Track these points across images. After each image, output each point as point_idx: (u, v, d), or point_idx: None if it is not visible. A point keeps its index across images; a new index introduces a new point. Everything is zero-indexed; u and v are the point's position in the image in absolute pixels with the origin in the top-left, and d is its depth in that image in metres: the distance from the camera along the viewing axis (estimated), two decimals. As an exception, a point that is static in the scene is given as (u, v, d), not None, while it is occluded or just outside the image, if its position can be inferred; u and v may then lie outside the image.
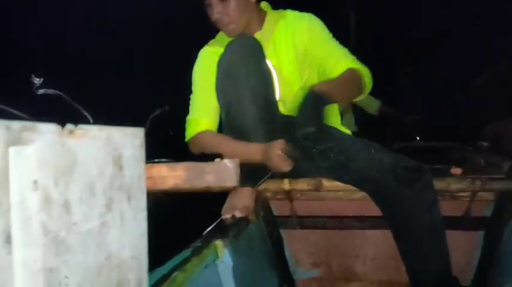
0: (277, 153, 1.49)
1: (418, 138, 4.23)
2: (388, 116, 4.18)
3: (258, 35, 1.72)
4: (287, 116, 1.74)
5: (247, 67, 1.54)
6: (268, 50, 1.68)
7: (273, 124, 1.62)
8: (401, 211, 1.54)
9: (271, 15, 1.78)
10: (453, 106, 4.81)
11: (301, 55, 1.74)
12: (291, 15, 1.78)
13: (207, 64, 1.76)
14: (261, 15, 1.76)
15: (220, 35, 1.83)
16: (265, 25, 1.76)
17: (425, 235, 1.53)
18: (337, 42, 1.77)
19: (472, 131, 3.61)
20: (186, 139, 1.78)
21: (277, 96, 1.73)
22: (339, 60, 1.71)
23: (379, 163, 1.54)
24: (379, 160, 1.55)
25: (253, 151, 1.53)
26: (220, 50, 1.66)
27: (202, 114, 1.76)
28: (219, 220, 1.67)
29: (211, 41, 1.86)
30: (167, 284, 1.07)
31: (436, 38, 5.12)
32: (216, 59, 1.64)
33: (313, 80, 1.77)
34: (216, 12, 1.63)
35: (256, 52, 1.61)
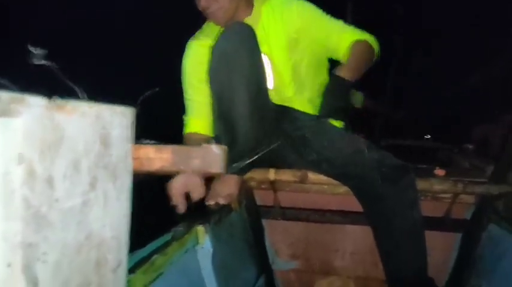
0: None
1: (428, 136, 4.21)
2: (373, 111, 4.15)
3: (247, 21, 1.69)
4: (278, 105, 1.74)
5: (241, 54, 1.52)
6: (258, 37, 1.67)
7: (264, 112, 1.61)
8: (382, 209, 1.55)
9: (258, 1, 1.75)
10: (442, 106, 4.85)
11: (293, 40, 1.71)
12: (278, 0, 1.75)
13: (195, 58, 1.75)
14: (249, 2, 1.73)
15: (207, 26, 1.80)
16: (254, 12, 1.73)
17: (404, 233, 1.54)
18: (330, 16, 1.74)
19: (460, 132, 3.65)
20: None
21: (270, 85, 1.72)
22: (341, 36, 1.70)
23: (365, 159, 1.55)
24: (365, 156, 1.56)
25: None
26: (208, 41, 1.64)
27: (194, 114, 1.79)
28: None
29: (198, 33, 1.83)
30: (146, 266, 1.07)
31: (429, 36, 5.13)
32: (204, 51, 1.63)
33: (303, 64, 1.74)
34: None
35: (251, 39, 1.59)
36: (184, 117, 1.83)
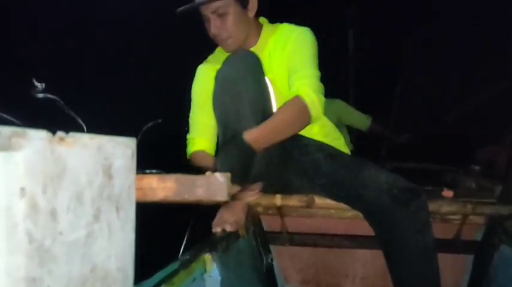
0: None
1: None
2: (378, 135, 4.14)
3: (253, 50, 1.72)
4: None
5: (246, 81, 1.54)
6: (263, 64, 1.68)
7: None
8: (394, 232, 1.53)
9: (267, 29, 1.78)
10: (446, 127, 4.83)
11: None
12: (284, 28, 1.78)
13: (204, 82, 1.78)
14: (258, 30, 1.77)
15: (218, 51, 1.84)
16: (260, 39, 1.76)
17: (417, 257, 1.52)
18: (313, 60, 1.69)
19: (465, 153, 3.62)
20: (187, 157, 1.85)
21: (274, 110, 1.72)
22: (297, 80, 1.63)
23: (376, 182, 1.54)
24: (376, 178, 1.54)
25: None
26: (218, 67, 1.65)
27: (199, 134, 1.81)
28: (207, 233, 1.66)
29: (209, 58, 1.87)
30: None
31: (430, 57, 5.15)
32: (213, 75, 1.63)
33: None
34: (214, 27, 1.64)
35: (256, 67, 1.61)
36: (188, 136, 1.85)
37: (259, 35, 1.77)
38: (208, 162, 1.73)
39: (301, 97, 1.56)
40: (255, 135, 1.48)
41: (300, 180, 1.74)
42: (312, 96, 1.56)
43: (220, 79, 1.57)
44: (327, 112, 1.71)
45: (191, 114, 1.85)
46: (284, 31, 1.75)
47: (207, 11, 1.63)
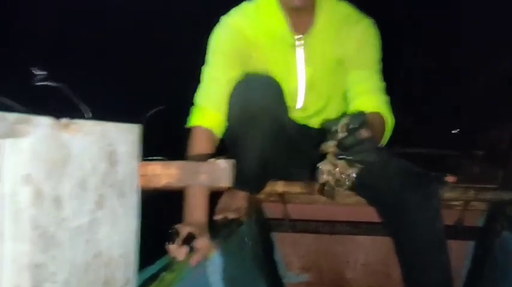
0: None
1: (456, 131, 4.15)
2: None
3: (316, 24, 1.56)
4: (300, 126, 1.72)
5: (264, 116, 1.46)
6: (307, 53, 1.58)
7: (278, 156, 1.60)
8: (405, 218, 1.48)
9: (326, 2, 1.57)
10: (450, 112, 4.82)
11: (340, 64, 1.58)
12: (346, 10, 1.59)
13: (230, 37, 1.57)
14: None
15: (259, 8, 1.59)
16: (317, 17, 1.56)
17: (428, 245, 1.47)
18: (380, 65, 1.55)
19: (468, 138, 3.61)
20: (188, 124, 1.57)
21: (300, 104, 1.66)
22: (369, 93, 1.49)
23: (388, 168, 1.50)
24: (387, 164, 1.51)
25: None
26: (247, 27, 1.55)
27: (211, 103, 1.53)
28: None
29: (238, 11, 1.61)
30: (155, 284, 1.06)
31: (438, 42, 5.12)
32: (244, 41, 1.54)
33: (338, 86, 1.62)
34: None
35: (277, 104, 1.52)
36: (197, 101, 1.56)
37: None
38: (207, 148, 1.50)
39: (381, 115, 1.44)
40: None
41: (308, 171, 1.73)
42: (388, 114, 1.48)
43: (239, 105, 1.48)
44: None
45: (208, 71, 1.56)
46: (346, 16, 1.57)
47: None
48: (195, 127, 1.51)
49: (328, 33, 1.56)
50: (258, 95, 1.46)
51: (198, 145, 1.50)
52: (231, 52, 1.55)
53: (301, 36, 1.57)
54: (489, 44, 4.47)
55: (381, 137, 1.46)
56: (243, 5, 1.61)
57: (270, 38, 1.58)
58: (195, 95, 1.56)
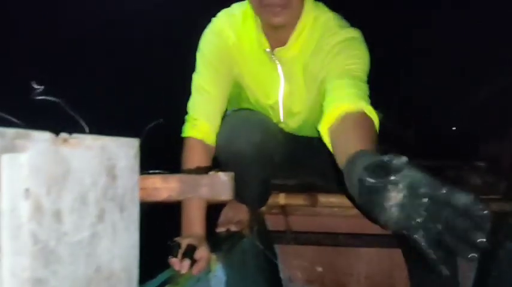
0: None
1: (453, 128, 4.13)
2: (387, 130, 4.09)
3: (293, 37, 1.52)
4: (291, 136, 1.74)
5: (253, 166, 1.52)
6: (286, 68, 1.57)
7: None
8: None
9: (309, 12, 1.52)
10: (451, 122, 4.82)
11: (320, 79, 1.49)
12: (328, 23, 1.52)
13: (215, 48, 1.57)
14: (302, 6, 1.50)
15: (244, 17, 1.57)
16: (298, 32, 1.52)
17: None
18: (365, 77, 1.42)
19: (469, 149, 3.61)
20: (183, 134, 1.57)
21: (282, 118, 1.68)
22: (351, 95, 1.28)
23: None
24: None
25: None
26: (236, 40, 1.55)
27: (202, 115, 1.53)
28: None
29: (229, 21, 1.59)
30: None
31: (436, 50, 5.13)
32: (227, 43, 1.55)
33: (319, 93, 1.51)
34: None
35: (264, 134, 1.55)
36: (189, 113, 1.55)
37: (301, 14, 1.50)
38: (201, 159, 1.49)
39: (366, 115, 1.22)
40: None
41: (316, 180, 1.73)
42: (374, 113, 1.26)
43: (230, 150, 1.52)
44: None
45: (198, 80, 1.56)
46: (328, 28, 1.50)
47: None
48: (188, 138, 1.52)
49: (307, 47, 1.52)
50: (243, 135, 1.50)
51: (192, 156, 1.50)
52: (217, 62, 1.56)
53: (279, 50, 1.55)
54: (490, 52, 4.48)
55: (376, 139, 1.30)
56: (234, 8, 1.60)
57: (251, 51, 1.58)
58: (188, 104, 1.57)
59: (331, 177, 1.62)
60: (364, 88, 1.35)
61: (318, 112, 1.56)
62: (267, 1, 1.39)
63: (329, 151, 1.30)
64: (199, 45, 1.59)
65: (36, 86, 0.47)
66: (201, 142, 1.51)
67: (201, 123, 1.52)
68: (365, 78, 1.41)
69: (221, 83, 1.56)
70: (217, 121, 1.54)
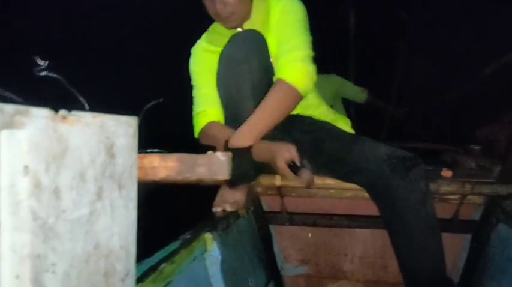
0: (282, 164, 1.46)
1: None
2: (376, 106, 4.09)
3: (247, 25, 1.69)
4: None
5: (249, 62, 1.53)
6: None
7: None
8: (395, 203, 1.50)
9: (257, 2, 1.71)
10: (447, 106, 4.82)
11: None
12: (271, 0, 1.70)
13: (202, 62, 1.76)
14: (251, 3, 1.70)
15: (214, 30, 1.80)
16: (253, 14, 1.70)
17: (419, 228, 1.48)
18: (301, 28, 1.62)
19: (464, 133, 3.62)
20: (196, 134, 1.73)
21: None
22: (285, 54, 1.57)
23: (375, 154, 1.53)
24: (374, 151, 1.54)
25: (260, 150, 1.50)
26: (212, 47, 1.70)
27: (209, 105, 1.71)
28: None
29: (204, 37, 1.82)
30: (155, 275, 1.07)
31: (433, 35, 5.12)
32: (210, 56, 1.65)
33: None
34: (220, 2, 1.57)
35: (260, 46, 1.59)
36: (196, 110, 1.74)
37: (251, 8, 1.70)
38: (229, 132, 1.56)
39: (283, 80, 1.52)
40: (243, 134, 1.48)
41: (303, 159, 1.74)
42: (297, 74, 1.53)
43: (224, 59, 1.56)
44: (323, 88, 1.70)
45: (195, 91, 1.77)
46: (271, 3, 1.69)
47: None
48: (204, 127, 1.69)
49: (263, 20, 1.69)
50: (240, 42, 1.58)
51: (218, 133, 1.63)
52: (205, 72, 1.73)
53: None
54: (486, 38, 4.47)
55: (285, 107, 1.54)
56: (211, 27, 1.81)
57: (224, 44, 1.67)
58: (192, 112, 1.76)
59: (310, 156, 1.65)
60: (305, 49, 1.59)
61: None
62: (216, 14, 1.62)
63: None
64: (189, 66, 1.81)
65: (39, 61, 0.46)
66: (217, 123, 1.68)
67: (210, 110, 1.70)
68: (307, 37, 1.62)
69: (215, 85, 1.66)
70: (220, 108, 1.67)
